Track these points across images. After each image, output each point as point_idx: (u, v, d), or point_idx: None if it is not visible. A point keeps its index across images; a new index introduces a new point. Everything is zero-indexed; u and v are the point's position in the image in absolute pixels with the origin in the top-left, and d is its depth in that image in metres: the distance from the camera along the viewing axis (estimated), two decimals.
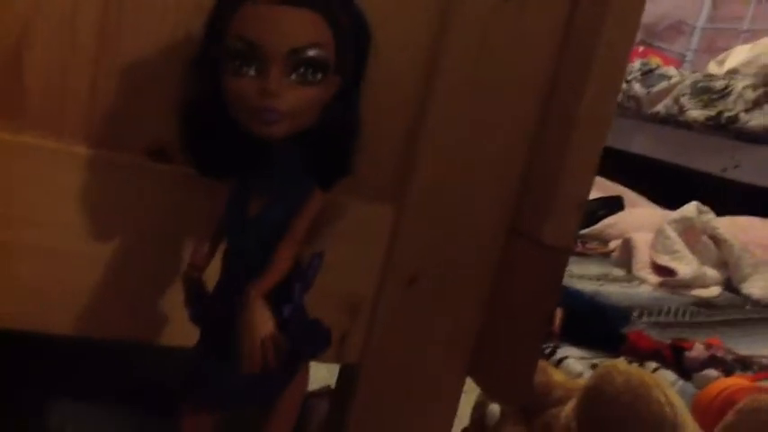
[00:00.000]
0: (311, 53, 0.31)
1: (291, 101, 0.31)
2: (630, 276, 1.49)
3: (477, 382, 0.53)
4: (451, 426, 0.54)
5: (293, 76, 0.31)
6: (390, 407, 0.51)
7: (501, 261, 0.50)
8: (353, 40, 0.33)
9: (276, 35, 0.30)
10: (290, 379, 0.36)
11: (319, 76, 0.31)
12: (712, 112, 1.73)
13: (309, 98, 0.32)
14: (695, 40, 2.49)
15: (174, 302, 0.43)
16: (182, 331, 0.43)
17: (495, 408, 0.67)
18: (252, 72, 0.30)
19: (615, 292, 1.35)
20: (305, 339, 0.36)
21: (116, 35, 0.40)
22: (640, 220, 1.67)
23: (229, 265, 0.36)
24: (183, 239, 0.43)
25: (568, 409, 0.63)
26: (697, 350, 1.01)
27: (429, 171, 0.48)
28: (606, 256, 1.59)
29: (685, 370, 1.00)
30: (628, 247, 1.56)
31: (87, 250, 0.42)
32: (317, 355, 0.38)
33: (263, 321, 0.32)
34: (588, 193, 0.49)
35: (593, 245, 1.63)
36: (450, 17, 0.46)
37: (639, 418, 0.53)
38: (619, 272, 1.51)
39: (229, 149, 0.34)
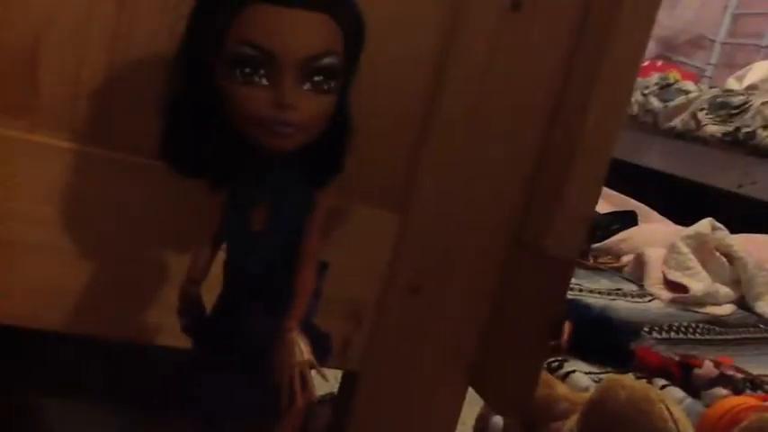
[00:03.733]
0: (327, 61, 0.29)
1: (306, 112, 0.29)
2: (642, 292, 1.47)
3: (479, 392, 0.53)
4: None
5: (307, 86, 0.29)
6: (391, 414, 0.51)
7: (504, 272, 0.50)
8: (357, 42, 0.32)
9: (291, 42, 0.28)
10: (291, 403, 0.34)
11: (332, 84, 0.30)
12: (730, 128, 1.72)
13: (323, 108, 0.30)
14: (715, 54, 2.48)
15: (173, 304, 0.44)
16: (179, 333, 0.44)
17: (498, 419, 0.67)
18: (263, 81, 0.28)
19: (626, 307, 1.34)
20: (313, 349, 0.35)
21: (128, 38, 0.41)
22: (654, 235, 1.66)
23: (232, 280, 0.35)
24: (185, 241, 0.43)
25: (571, 422, 0.63)
26: (706, 368, 1.00)
27: (434, 179, 0.48)
28: (618, 270, 1.58)
29: (694, 387, 0.99)
30: (640, 263, 1.55)
31: (93, 250, 0.42)
32: (321, 363, 0.36)
33: (302, 352, 0.32)
34: (594, 206, 0.49)
35: (605, 259, 1.62)
36: (459, 26, 0.46)
37: None
38: (630, 287, 1.49)
39: (220, 156, 0.33)
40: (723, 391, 0.96)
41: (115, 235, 0.42)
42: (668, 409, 0.53)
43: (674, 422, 0.53)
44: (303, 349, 0.32)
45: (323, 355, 0.37)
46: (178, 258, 0.43)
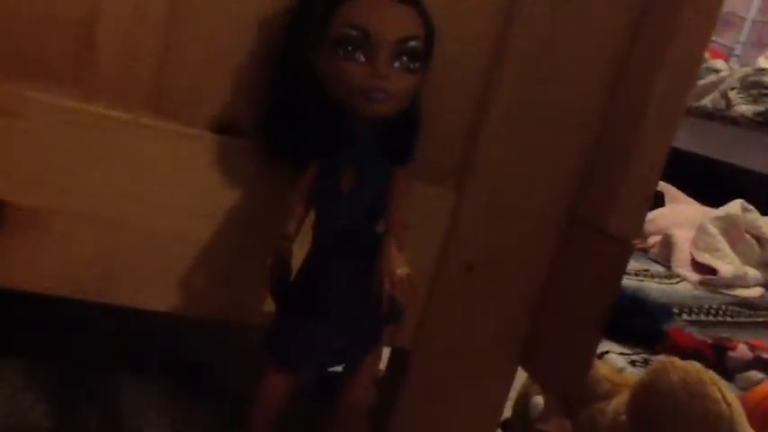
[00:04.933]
0: (413, 44, 0.35)
1: (396, 83, 0.34)
2: (670, 273, 1.46)
3: (529, 371, 0.52)
4: (501, 413, 0.53)
5: (396, 63, 0.34)
6: (440, 392, 0.51)
7: (562, 251, 0.49)
8: (431, 40, 0.37)
9: (387, 25, 0.34)
10: (373, 344, 0.40)
11: (417, 65, 0.35)
12: (761, 108, 1.69)
13: (409, 84, 0.35)
14: (745, 32, 2.42)
15: (243, 278, 0.43)
16: (248, 307, 0.43)
17: (538, 400, 0.67)
18: (361, 58, 0.34)
19: (654, 288, 1.33)
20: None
21: (187, 7, 0.40)
22: (681, 216, 1.64)
23: (321, 236, 0.38)
24: (249, 213, 0.43)
25: (616, 403, 0.62)
26: (741, 351, 0.99)
27: (491, 157, 0.47)
28: (645, 251, 1.57)
29: (727, 370, 0.98)
30: (668, 244, 1.54)
31: (151, 223, 0.42)
32: (393, 323, 0.40)
33: (401, 262, 0.35)
34: (656, 184, 0.48)
35: None
36: (517, 6, 0.45)
37: (695, 415, 0.52)
38: (658, 268, 1.48)
39: (317, 133, 0.37)
40: (758, 375, 0.95)
41: (177, 208, 0.42)
42: (722, 390, 0.52)
43: (728, 404, 0.52)
44: (399, 260, 0.35)
45: (396, 318, 0.40)
46: (246, 228, 0.43)
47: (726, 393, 0.53)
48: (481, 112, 0.46)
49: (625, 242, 0.45)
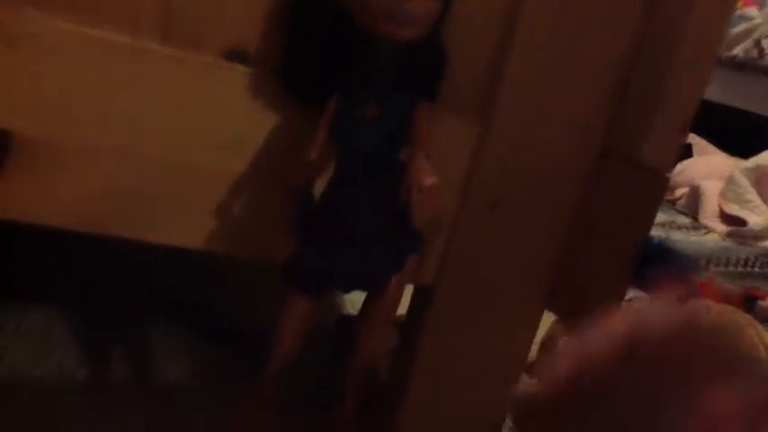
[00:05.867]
0: None
1: (421, 7, 0.35)
2: (697, 225, 1.43)
3: (558, 313, 0.50)
4: (527, 356, 0.52)
5: None
6: (464, 332, 0.49)
7: (592, 185, 0.47)
8: None
9: None
10: (396, 269, 0.40)
11: None
12: None
13: (432, 9, 0.36)
14: None
15: (250, 210, 0.42)
16: (267, 241, 0.42)
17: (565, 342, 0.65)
18: None
19: (681, 239, 1.30)
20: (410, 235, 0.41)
21: None
22: (710, 167, 1.60)
23: (344, 165, 0.38)
24: (259, 144, 0.41)
25: None
26: None
27: (517, 87, 0.45)
28: (672, 203, 1.53)
29: (758, 320, 0.96)
30: (695, 195, 1.50)
31: (158, 152, 0.40)
32: (416, 251, 0.41)
33: (429, 173, 0.35)
34: (693, 114, 0.45)
35: None
36: None
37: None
38: (684, 220, 1.45)
39: (339, 65, 0.37)
40: None
41: (186, 137, 0.40)
42: (759, 333, 0.50)
43: (766, 347, 0.50)
44: (427, 170, 0.35)
45: (420, 245, 0.42)
46: (257, 159, 0.41)
47: (763, 336, 0.51)
48: (507, 38, 0.44)
49: (660, 174, 0.43)
